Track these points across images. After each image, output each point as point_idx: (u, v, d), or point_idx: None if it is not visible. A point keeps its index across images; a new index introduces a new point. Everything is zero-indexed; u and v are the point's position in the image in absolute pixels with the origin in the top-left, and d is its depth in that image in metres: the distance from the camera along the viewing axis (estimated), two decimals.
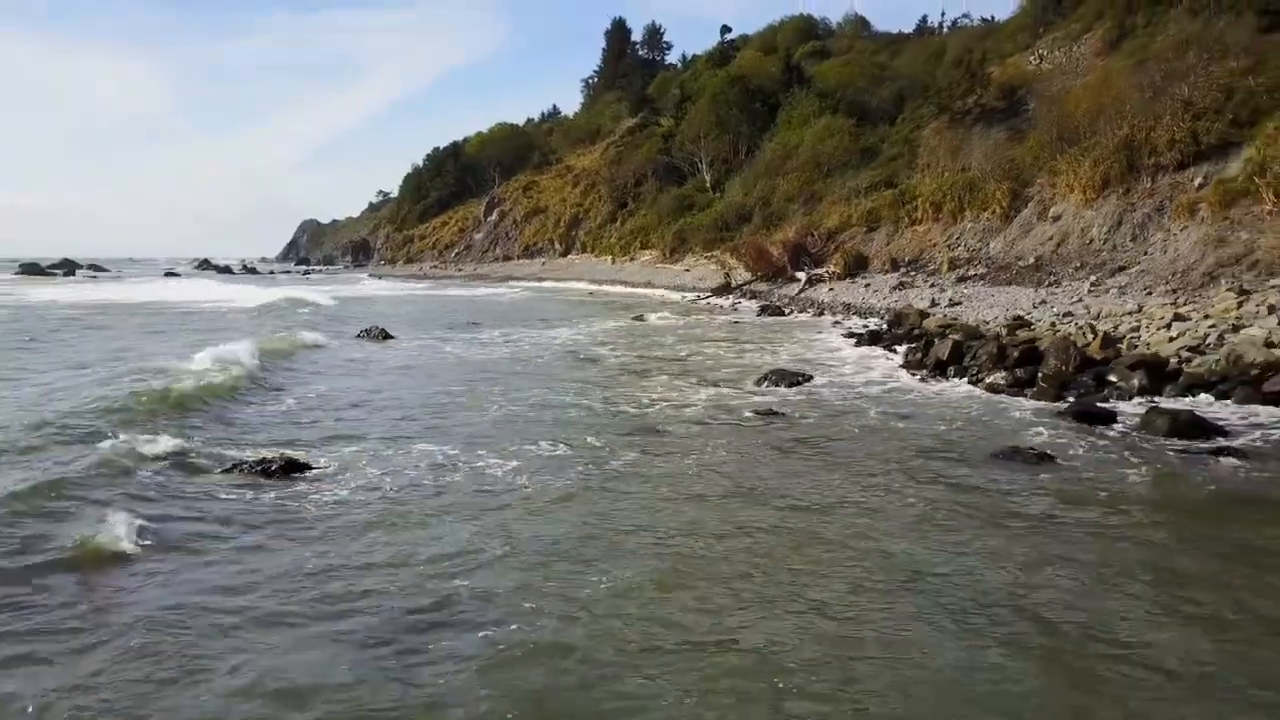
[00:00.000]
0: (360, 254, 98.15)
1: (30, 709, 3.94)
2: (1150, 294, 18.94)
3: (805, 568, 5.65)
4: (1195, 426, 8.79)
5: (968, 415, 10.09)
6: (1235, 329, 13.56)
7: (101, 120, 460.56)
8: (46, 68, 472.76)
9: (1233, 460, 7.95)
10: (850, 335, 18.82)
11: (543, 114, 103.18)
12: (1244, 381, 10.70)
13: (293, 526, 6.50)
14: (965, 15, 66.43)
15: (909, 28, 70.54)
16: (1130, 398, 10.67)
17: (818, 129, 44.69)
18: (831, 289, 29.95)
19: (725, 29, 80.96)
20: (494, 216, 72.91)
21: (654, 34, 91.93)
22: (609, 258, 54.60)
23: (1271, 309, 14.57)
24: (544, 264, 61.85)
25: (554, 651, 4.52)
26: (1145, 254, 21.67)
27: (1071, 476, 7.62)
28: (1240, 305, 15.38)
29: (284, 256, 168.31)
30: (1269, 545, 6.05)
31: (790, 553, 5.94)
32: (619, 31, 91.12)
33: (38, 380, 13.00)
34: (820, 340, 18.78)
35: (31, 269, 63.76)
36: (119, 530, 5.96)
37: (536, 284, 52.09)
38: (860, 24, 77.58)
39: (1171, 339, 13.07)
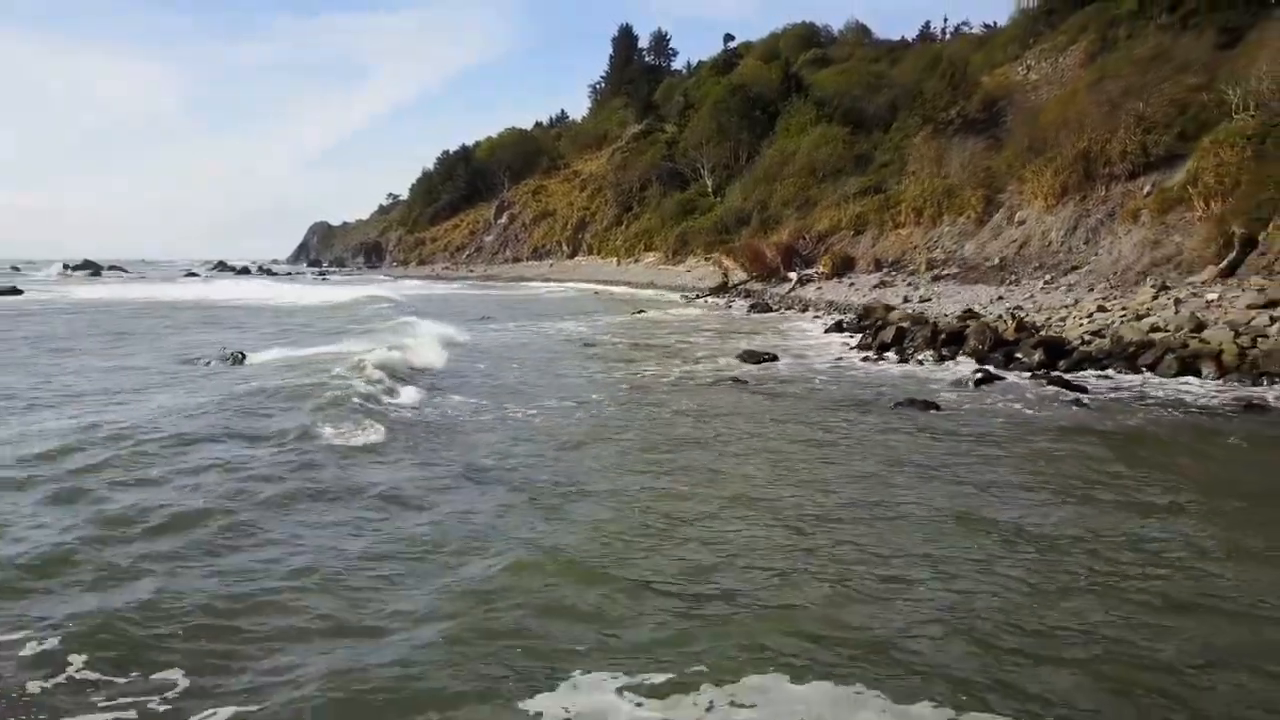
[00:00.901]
0: (373, 255, 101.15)
1: (306, 541, 6.36)
2: (1091, 290, 21.47)
3: (731, 458, 8.25)
4: (1060, 383, 11.35)
5: (891, 382, 12.66)
6: (1138, 318, 16.13)
7: (105, 122, 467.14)
8: (46, 68, 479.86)
9: (1078, 408, 10.51)
10: (824, 328, 21.37)
11: (551, 119, 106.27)
12: (1121, 357, 13.26)
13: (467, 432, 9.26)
14: (965, 23, 68.60)
15: (914, 33, 72.99)
16: (1029, 370, 13.22)
17: (814, 136, 47.26)
18: (819, 288, 32.51)
19: (729, 37, 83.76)
20: (504, 219, 75.79)
21: (660, 40, 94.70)
22: (614, 259, 57.31)
23: (1177, 302, 17.13)
24: (551, 265, 64.61)
25: (563, 483, 7.16)
26: (1095, 255, 24.19)
27: (946, 415, 10.22)
28: (1155, 299, 17.93)
29: (294, 258, 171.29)
30: (1065, 453, 8.54)
31: (722, 450, 8.58)
32: (625, 38, 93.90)
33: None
34: (796, 331, 21.37)
35: (71, 269, 66.90)
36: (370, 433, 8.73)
37: (544, 284, 54.75)
38: (861, 31, 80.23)
39: (1081, 325, 15.64)
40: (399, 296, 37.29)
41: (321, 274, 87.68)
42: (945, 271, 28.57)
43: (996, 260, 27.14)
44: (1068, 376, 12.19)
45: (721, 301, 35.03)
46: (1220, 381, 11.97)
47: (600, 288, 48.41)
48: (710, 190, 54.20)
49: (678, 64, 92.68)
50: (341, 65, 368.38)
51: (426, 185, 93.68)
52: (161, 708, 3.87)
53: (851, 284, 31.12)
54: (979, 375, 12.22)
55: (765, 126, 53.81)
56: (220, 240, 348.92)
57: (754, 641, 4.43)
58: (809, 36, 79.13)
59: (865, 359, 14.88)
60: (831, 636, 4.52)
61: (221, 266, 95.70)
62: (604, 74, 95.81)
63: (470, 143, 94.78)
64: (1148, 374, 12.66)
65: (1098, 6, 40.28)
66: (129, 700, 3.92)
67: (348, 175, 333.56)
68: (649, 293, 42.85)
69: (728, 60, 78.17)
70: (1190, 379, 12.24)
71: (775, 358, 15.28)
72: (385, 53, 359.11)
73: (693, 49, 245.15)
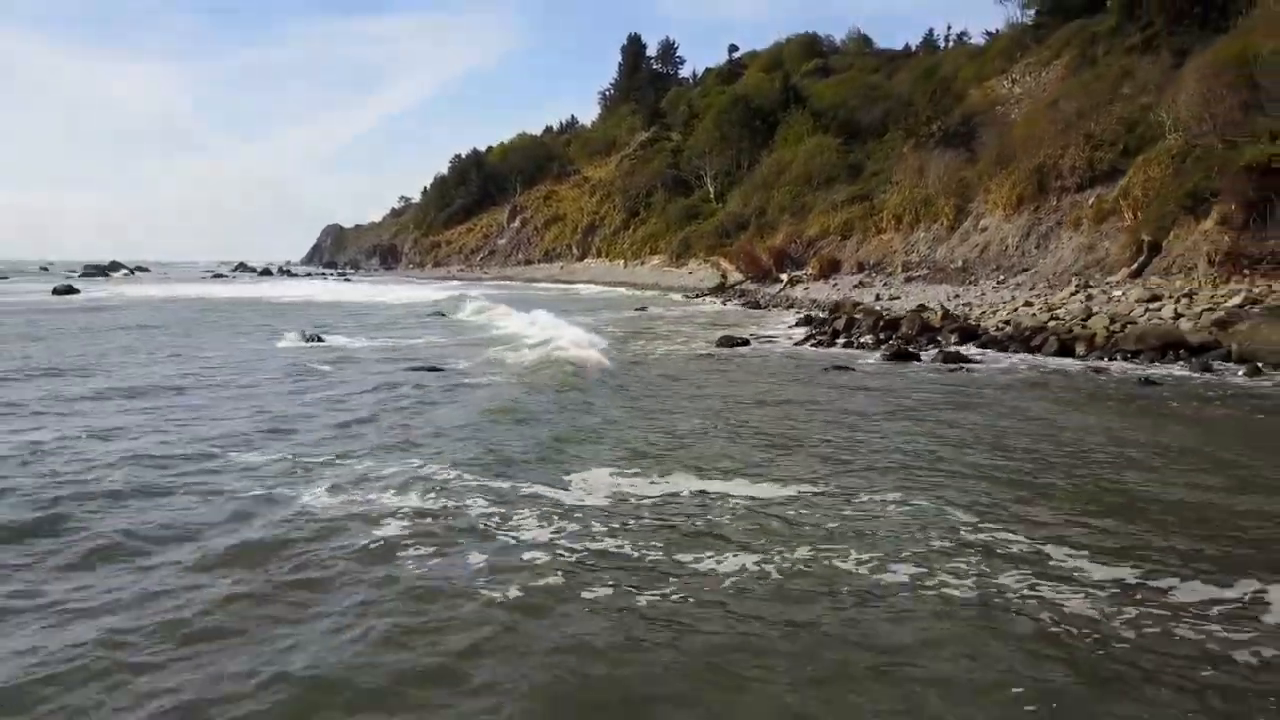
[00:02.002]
0: (388, 258, 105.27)
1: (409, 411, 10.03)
2: (1033, 289, 24.97)
3: (692, 393, 11.82)
4: (956, 358, 14.91)
5: (829, 358, 16.19)
6: (1049, 310, 19.66)
7: (116, 124, 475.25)
8: (55, 70, 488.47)
9: (962, 374, 14.05)
10: (795, 321, 24.92)
11: (561, 124, 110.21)
12: (1019, 340, 16.81)
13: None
14: (964, 33, 71.83)
15: (918, 39, 76.29)
16: (942, 349, 16.74)
17: (809, 146, 50.82)
18: (807, 288, 36.04)
19: (733, 48, 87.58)
20: (516, 223, 79.68)
21: (667, 49, 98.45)
22: (621, 262, 61.01)
23: (1088, 297, 20.64)
24: (561, 267, 68.39)
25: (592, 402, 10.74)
26: (1042, 259, 27.68)
27: (855, 375, 13.84)
28: (1072, 295, 21.46)
29: (308, 260, 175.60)
30: (918, 396, 12.00)
31: (694, 394, 12.15)
32: (634, 47, 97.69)
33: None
34: (773, 324, 24.93)
35: (98, 271, 71.12)
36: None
37: (554, 285, 58.50)
38: (863, 41, 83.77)
39: (998, 315, 19.19)
40: (475, 293, 40.34)
41: (343, 275, 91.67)
42: (916, 273, 32.09)
43: (960, 263, 30.65)
44: (965, 354, 15.73)
45: (719, 300, 38.60)
46: (1088, 358, 15.49)
47: (607, 288, 52.04)
48: (713, 196, 57.82)
49: (685, 72, 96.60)
50: (352, 69, 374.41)
51: (440, 189, 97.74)
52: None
53: (835, 284, 34.65)
54: (890, 351, 15.78)
55: (765, 136, 57.37)
56: (230, 242, 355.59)
57: (703, 461, 8.00)
58: (811, 46, 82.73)
59: (818, 344, 18.41)
60: (736, 463, 8.09)
61: (242, 268, 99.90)
62: (613, 81, 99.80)
63: (481, 146, 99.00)
64: (1036, 354, 16.19)
65: (1080, 23, 43.42)
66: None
67: (358, 178, 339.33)
68: (653, 293, 46.46)
69: (732, 70, 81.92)
70: (1066, 358, 15.75)
71: (746, 342, 18.86)
72: (395, 56, 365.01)
73: (702, 50, 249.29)
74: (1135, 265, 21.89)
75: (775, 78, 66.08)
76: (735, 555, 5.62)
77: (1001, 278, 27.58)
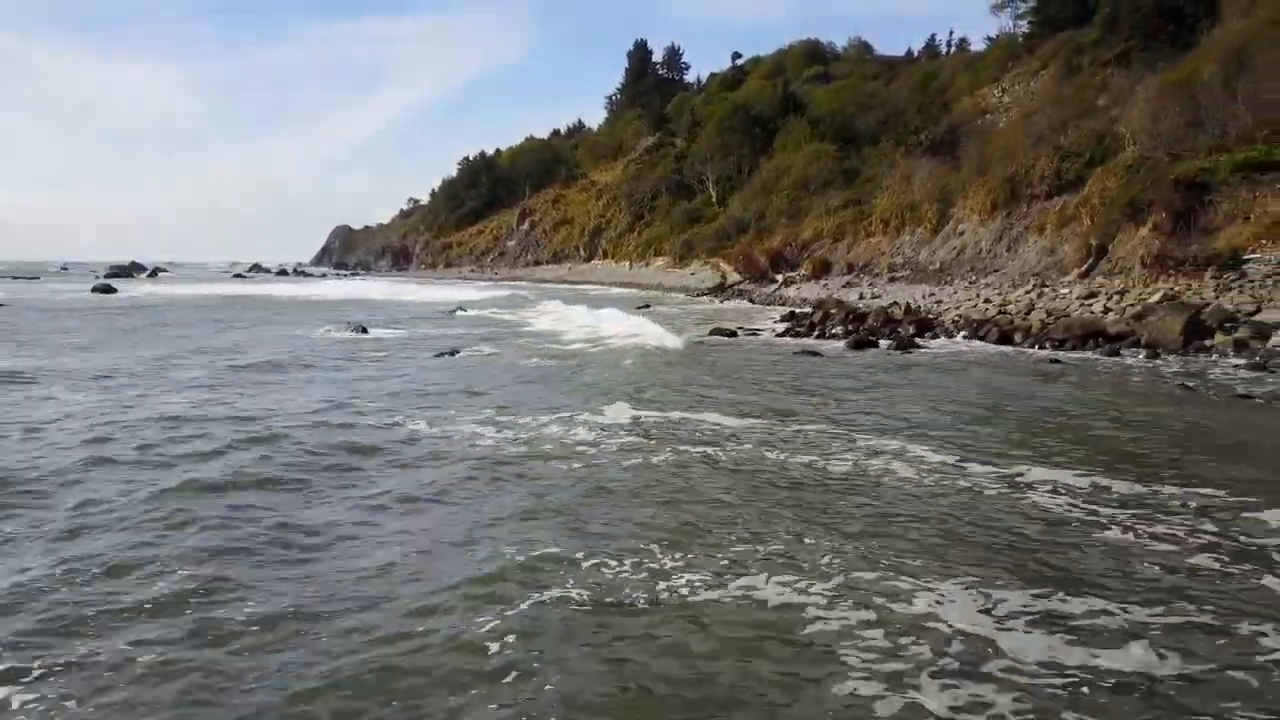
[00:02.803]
0: (400, 259, 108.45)
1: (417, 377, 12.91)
2: (997, 289, 27.70)
3: (684, 369, 14.65)
4: (910, 344, 17.71)
5: (803, 346, 18.99)
6: (1003, 306, 22.44)
7: (124, 125, 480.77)
8: (63, 72, 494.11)
9: (909, 356, 16.84)
10: (781, 317, 27.71)
11: (569, 128, 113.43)
12: (966, 330, 19.60)
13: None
14: (965, 40, 74.03)
15: (920, 44, 78.78)
16: (899, 338, 19.53)
17: (806, 153, 53.60)
18: (799, 288, 38.82)
19: (736, 55, 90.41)
20: (525, 226, 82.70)
21: (673, 55, 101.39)
22: (627, 263, 63.90)
23: (1040, 295, 23.42)
24: (570, 268, 71.33)
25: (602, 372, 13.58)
26: (1011, 261, 30.42)
27: (820, 358, 16.63)
28: (1028, 293, 24.23)
29: (317, 261, 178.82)
30: (869, 374, 14.81)
31: (681, 369, 14.97)
32: (640, 53, 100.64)
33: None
34: (762, 319, 27.74)
35: (122, 271, 74.26)
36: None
37: (562, 285, 61.37)
38: (863, 48, 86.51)
39: (957, 309, 21.97)
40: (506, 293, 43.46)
41: (355, 275, 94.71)
42: (899, 274, 34.86)
43: (939, 265, 33.42)
44: (919, 341, 18.53)
45: (717, 299, 41.42)
46: (1023, 345, 18.26)
47: (614, 288, 54.92)
48: (714, 200, 60.65)
49: (690, 77, 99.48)
50: (357, 70, 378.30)
51: (451, 191, 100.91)
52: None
53: (825, 285, 37.43)
54: (853, 340, 18.60)
55: (765, 142, 60.18)
56: (235, 243, 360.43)
57: (692, 404, 10.80)
58: (813, 53, 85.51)
59: (795, 335, 21.21)
60: (716, 404, 10.89)
61: (257, 268, 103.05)
62: (619, 86, 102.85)
63: (488, 147, 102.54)
64: (980, 342, 18.97)
65: (1068, 34, 46.00)
66: None
67: (364, 179, 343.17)
68: (656, 292, 49.31)
69: (735, 77, 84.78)
70: (1005, 345, 18.53)
71: (735, 333, 21.67)
72: (401, 58, 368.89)
73: (708, 49, 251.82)
74: (1085, 266, 24.64)
75: (776, 84, 68.96)
76: (720, 447, 8.44)
77: (974, 278, 30.33)
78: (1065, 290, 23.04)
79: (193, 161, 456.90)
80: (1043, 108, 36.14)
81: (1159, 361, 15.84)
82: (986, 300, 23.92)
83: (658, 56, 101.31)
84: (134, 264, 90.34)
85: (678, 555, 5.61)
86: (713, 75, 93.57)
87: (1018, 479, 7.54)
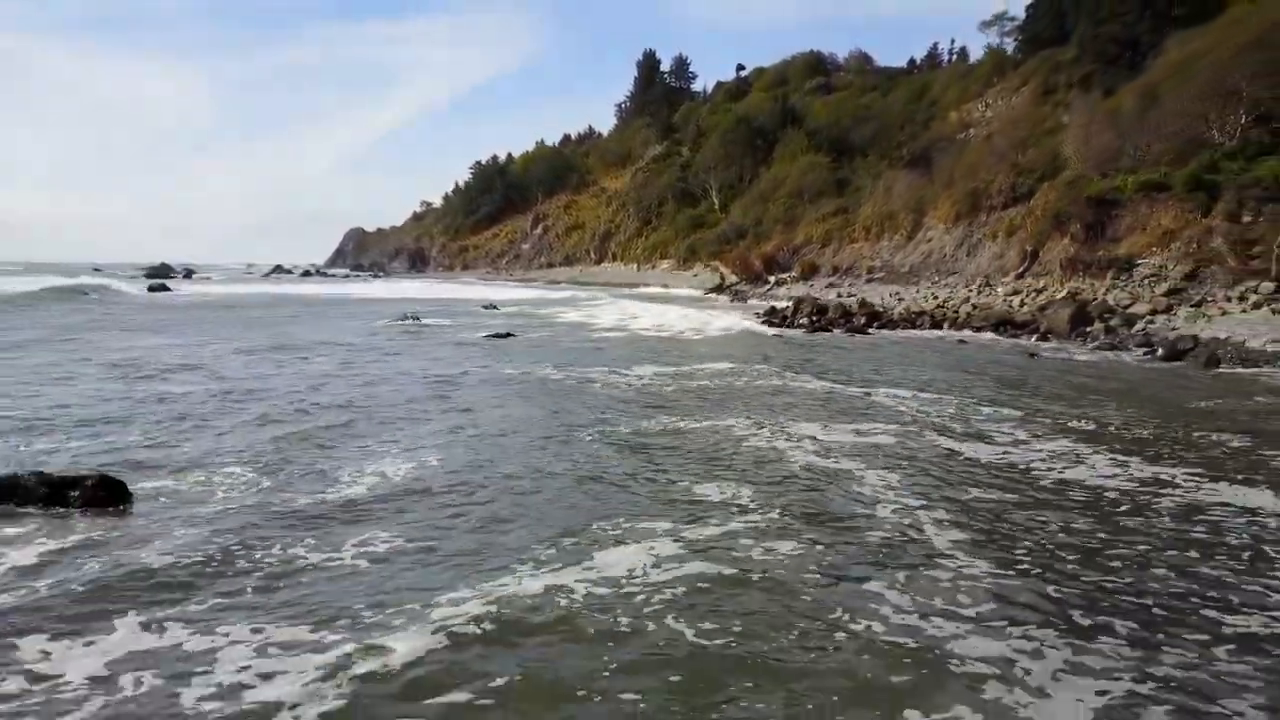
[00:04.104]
0: (417, 261, 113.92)
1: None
2: (950, 288, 32.57)
3: (679, 347, 19.59)
4: (859, 330, 22.65)
5: (776, 332, 23.93)
6: (940, 301, 27.34)
7: (138, 129, 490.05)
8: (76, 75, 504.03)
9: (855, 339, 21.75)
10: (763, 310, 32.61)
11: (579, 134, 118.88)
12: (907, 320, 24.53)
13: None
14: (964, 49, 78.30)
15: (925, 47, 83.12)
16: (852, 327, 24.44)
17: (801, 163, 58.56)
18: (789, 288, 43.73)
19: (740, 67, 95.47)
20: (539, 230, 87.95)
21: (681, 65, 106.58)
22: (634, 265, 68.97)
23: (979, 292, 28.30)
24: (581, 270, 76.47)
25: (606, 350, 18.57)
26: (969, 264, 35.28)
27: (783, 339, 21.57)
28: (970, 291, 29.11)
29: (331, 262, 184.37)
30: (813, 351, 19.72)
31: (666, 349, 19.93)
32: (649, 62, 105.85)
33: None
34: (748, 314, 32.69)
35: (157, 272, 79.75)
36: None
37: (573, 286, 66.50)
38: (863, 59, 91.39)
39: (903, 303, 26.89)
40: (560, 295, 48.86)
41: (374, 275, 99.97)
42: (876, 276, 39.75)
43: (909, 267, 38.30)
44: (868, 330, 23.45)
45: (715, 297, 46.38)
46: (947, 331, 23.15)
47: (623, 289, 59.92)
48: (717, 207, 65.67)
49: (697, 86, 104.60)
50: (369, 72, 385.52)
51: (466, 196, 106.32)
52: None
53: (811, 285, 42.35)
54: (813, 327, 23.53)
55: (765, 153, 65.21)
56: (251, 244, 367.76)
57: (682, 360, 15.75)
58: (815, 64, 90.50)
59: (770, 324, 26.16)
60: (698, 365, 15.83)
61: (279, 270, 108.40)
62: (629, 94, 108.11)
63: (500, 148, 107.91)
64: (916, 330, 23.87)
65: (1048, 53, 50.59)
66: None
67: (375, 181, 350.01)
68: (661, 291, 54.29)
69: (740, 88, 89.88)
70: (936, 330, 23.43)
71: (717, 325, 26.64)
72: (407, 61, 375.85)
73: (719, 53, 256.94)
74: (1021, 269, 29.50)
75: (777, 94, 74.03)
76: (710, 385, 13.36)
77: (937, 279, 35.20)
78: (1000, 289, 27.92)
79: (206, 163, 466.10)
80: (1003, 129, 40.97)
81: (1043, 343, 20.74)
82: (935, 296, 28.86)
83: (666, 65, 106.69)
84: (164, 265, 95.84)
85: (703, 407, 10.60)
86: (719, 85, 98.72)
87: (868, 394, 12.48)
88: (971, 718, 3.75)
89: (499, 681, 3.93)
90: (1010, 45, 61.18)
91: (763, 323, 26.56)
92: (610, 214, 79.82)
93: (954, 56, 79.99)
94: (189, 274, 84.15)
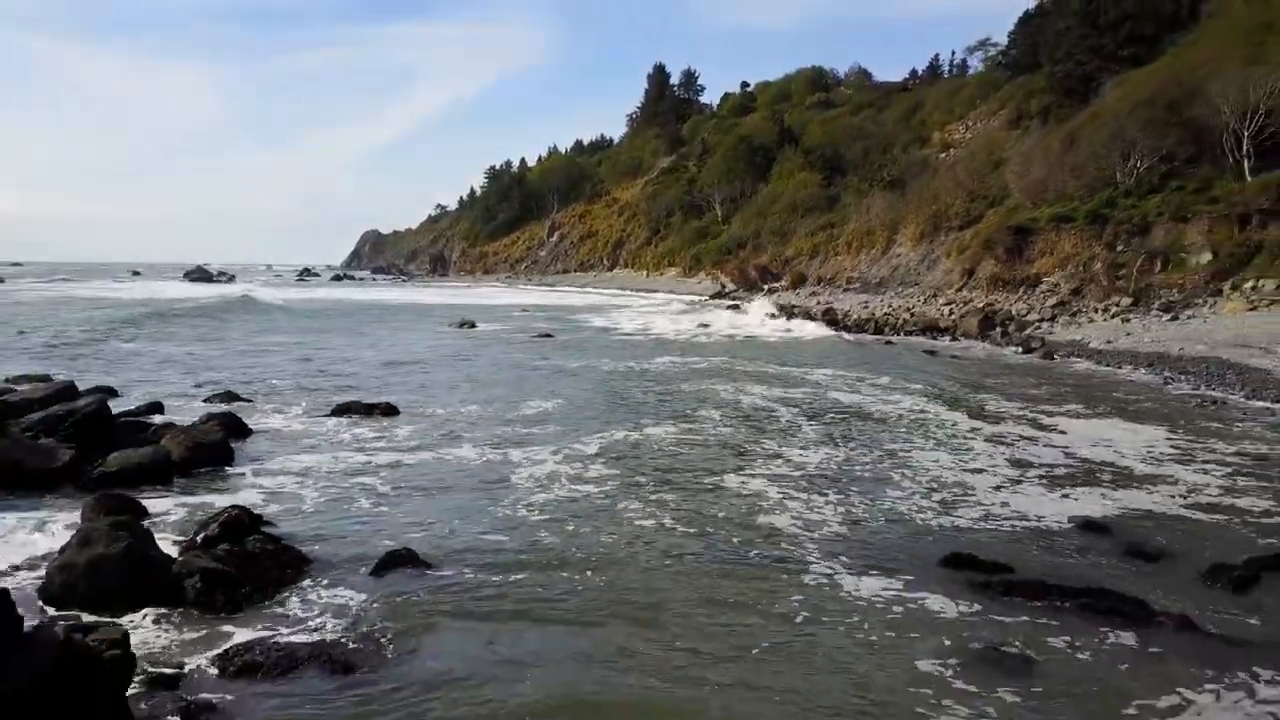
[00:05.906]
0: (438, 264, 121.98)
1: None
2: (911, 298, 40.15)
3: (688, 344, 27.24)
4: (832, 324, 30.35)
5: (772, 324, 31.52)
6: (890, 307, 35.00)
7: (154, 131, 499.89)
8: (91, 77, 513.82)
9: (825, 332, 29.40)
10: (757, 315, 40.25)
11: (592, 143, 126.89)
12: (857, 324, 32.26)
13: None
14: (964, 62, 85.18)
15: (924, 63, 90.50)
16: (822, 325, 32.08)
17: (796, 181, 66.14)
18: (779, 296, 51.35)
19: (745, 84, 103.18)
20: (555, 238, 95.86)
21: (689, 77, 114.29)
22: (644, 272, 76.71)
23: (925, 302, 35.91)
24: (595, 276, 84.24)
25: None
26: (927, 277, 42.85)
27: (758, 340, 29.23)
28: (915, 300, 36.73)
29: (348, 264, 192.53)
30: (782, 346, 27.27)
31: (675, 345, 27.60)
32: (659, 75, 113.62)
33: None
34: (742, 317, 40.37)
35: (199, 274, 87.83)
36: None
37: (588, 291, 74.26)
38: (863, 75, 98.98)
39: (867, 309, 34.62)
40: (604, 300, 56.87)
41: (402, 279, 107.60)
42: (852, 286, 47.37)
43: (879, 279, 45.94)
44: (836, 329, 31.11)
45: (714, 303, 54.06)
46: (885, 333, 30.79)
47: (633, 294, 67.68)
48: (720, 219, 73.33)
49: (706, 97, 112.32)
50: (384, 76, 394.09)
51: (485, 203, 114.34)
52: None
53: (798, 293, 49.99)
54: (787, 327, 31.22)
55: (764, 170, 72.81)
56: (269, 245, 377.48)
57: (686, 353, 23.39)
58: (816, 80, 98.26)
59: (762, 322, 33.82)
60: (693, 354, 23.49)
61: (307, 273, 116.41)
62: (640, 105, 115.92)
63: (513, 154, 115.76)
64: (863, 333, 31.50)
65: (1024, 79, 57.41)
66: None
67: (390, 181, 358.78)
68: (668, 296, 62.04)
69: (744, 103, 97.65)
70: (877, 334, 31.06)
71: (723, 326, 34.35)
72: (419, 63, 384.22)
73: (729, 58, 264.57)
74: (961, 284, 37.12)
75: (777, 113, 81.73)
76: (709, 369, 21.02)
77: (900, 290, 42.79)
78: (941, 300, 35.57)
79: (224, 165, 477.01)
80: (967, 156, 48.59)
81: (954, 343, 28.38)
82: (890, 305, 36.52)
83: (675, 79, 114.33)
84: (200, 268, 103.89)
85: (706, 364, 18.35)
86: (725, 97, 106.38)
87: (807, 375, 20.11)
88: (768, 461, 11.44)
89: (619, 461, 11.67)
90: (993, 71, 68.37)
91: (755, 326, 34.33)
92: (622, 224, 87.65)
93: (954, 69, 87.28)
94: (231, 278, 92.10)
